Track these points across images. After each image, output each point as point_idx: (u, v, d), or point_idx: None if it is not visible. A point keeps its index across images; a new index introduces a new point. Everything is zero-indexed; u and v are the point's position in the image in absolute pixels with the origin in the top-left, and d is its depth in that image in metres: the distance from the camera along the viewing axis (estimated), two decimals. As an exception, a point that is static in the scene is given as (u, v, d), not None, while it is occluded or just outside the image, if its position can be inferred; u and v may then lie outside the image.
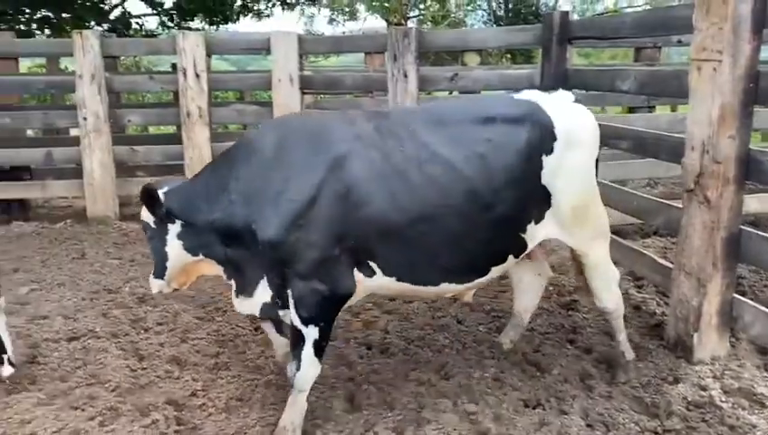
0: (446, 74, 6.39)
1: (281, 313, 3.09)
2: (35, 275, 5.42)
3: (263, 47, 6.96)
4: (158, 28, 15.66)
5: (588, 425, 3.14)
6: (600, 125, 3.34)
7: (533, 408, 3.30)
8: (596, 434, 3.08)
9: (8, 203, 7.33)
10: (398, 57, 6.25)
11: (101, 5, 14.52)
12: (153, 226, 3.18)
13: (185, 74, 6.78)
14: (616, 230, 5.46)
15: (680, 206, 3.85)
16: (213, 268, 3.23)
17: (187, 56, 6.73)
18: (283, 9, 16.19)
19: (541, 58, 5.72)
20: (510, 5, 27.35)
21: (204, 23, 15.71)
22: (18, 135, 8.20)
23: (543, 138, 3.07)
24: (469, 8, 30.35)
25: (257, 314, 3.16)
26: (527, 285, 3.86)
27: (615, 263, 3.57)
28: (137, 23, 15.18)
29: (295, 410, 3.02)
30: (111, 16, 14.70)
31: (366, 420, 3.18)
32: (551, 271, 4.02)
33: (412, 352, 3.93)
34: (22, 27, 13.26)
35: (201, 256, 3.17)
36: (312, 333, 2.89)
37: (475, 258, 3.07)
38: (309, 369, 2.94)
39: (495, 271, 3.18)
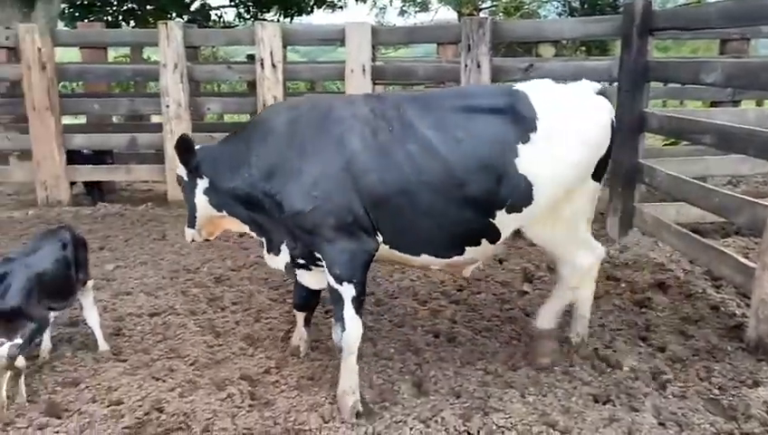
0: (520, 65, 6.32)
1: (297, 272, 3.51)
2: (120, 254, 5.73)
3: (337, 38, 7.06)
4: (234, 20, 16.09)
5: (660, 423, 3.07)
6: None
7: (603, 403, 3.26)
8: (668, 433, 3.01)
9: (92, 186, 7.75)
10: (472, 48, 6.22)
11: (182, -2, 15.04)
12: (186, 178, 3.52)
13: (262, 64, 6.96)
14: (694, 229, 5.30)
15: (767, 204, 3.70)
16: (238, 225, 3.58)
17: (264, 47, 6.91)
18: (357, 1, 16.28)
19: (620, 50, 5.57)
20: (587, -4, 26.68)
21: (279, 14, 16.01)
22: (104, 121, 8.65)
23: (521, 127, 3.10)
24: (543, -1, 29.82)
25: (283, 270, 3.52)
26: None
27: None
28: (215, 14, 15.67)
29: (351, 373, 3.21)
30: (192, 8, 15.18)
31: (433, 406, 3.22)
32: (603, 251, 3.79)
33: (479, 342, 3.94)
34: (109, 19, 13.89)
35: (225, 213, 3.51)
36: (348, 290, 3.14)
37: (449, 234, 3.22)
38: (353, 327, 3.16)
39: (472, 252, 3.32)
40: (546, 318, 3.65)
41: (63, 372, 3.58)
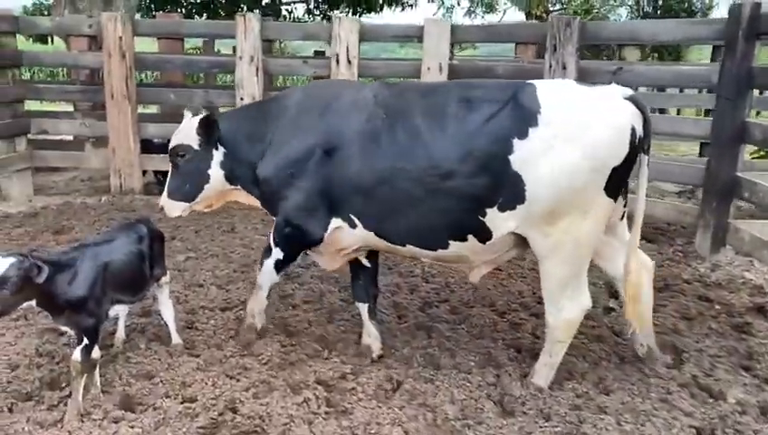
0: (608, 68, 6.01)
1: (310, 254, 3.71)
2: (190, 245, 5.71)
3: (414, 35, 6.90)
4: (304, 15, 16.16)
5: (776, 466, 2.78)
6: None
7: (709, 438, 2.98)
8: (786, 478, 2.72)
9: (163, 175, 7.81)
10: (558, 48, 5.95)
11: (254, -8, 15.17)
12: (197, 148, 3.57)
13: (337, 60, 6.86)
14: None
15: None
16: (248, 198, 3.74)
17: (341, 42, 6.80)
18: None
19: (723, 55, 5.21)
20: (660, 1, 25.78)
21: (348, 12, 15.98)
22: (177, 111, 8.73)
23: (518, 121, 2.87)
24: (614, 2, 28.95)
25: None
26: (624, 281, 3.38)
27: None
28: (286, 9, 15.75)
29: (255, 301, 3.79)
30: (263, 2, 15.30)
31: (520, 428, 3.01)
32: (651, 263, 3.54)
33: (566, 360, 3.67)
34: (182, 11, 14.13)
35: (239, 186, 3.68)
36: (276, 253, 3.57)
37: (432, 226, 3.14)
38: (267, 275, 3.65)
39: (458, 248, 3.18)
40: (541, 375, 3.32)
41: (138, 365, 3.51)
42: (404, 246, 3.28)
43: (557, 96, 2.93)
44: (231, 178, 3.64)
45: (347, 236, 3.39)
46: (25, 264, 2.77)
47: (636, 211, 3.10)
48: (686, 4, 25.96)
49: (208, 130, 3.52)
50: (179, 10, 13.74)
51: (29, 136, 7.53)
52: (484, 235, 3.07)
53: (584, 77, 6.06)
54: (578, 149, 2.81)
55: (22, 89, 7.27)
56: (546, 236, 2.97)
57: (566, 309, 3.11)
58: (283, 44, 15.99)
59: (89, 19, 7.35)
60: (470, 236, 3.09)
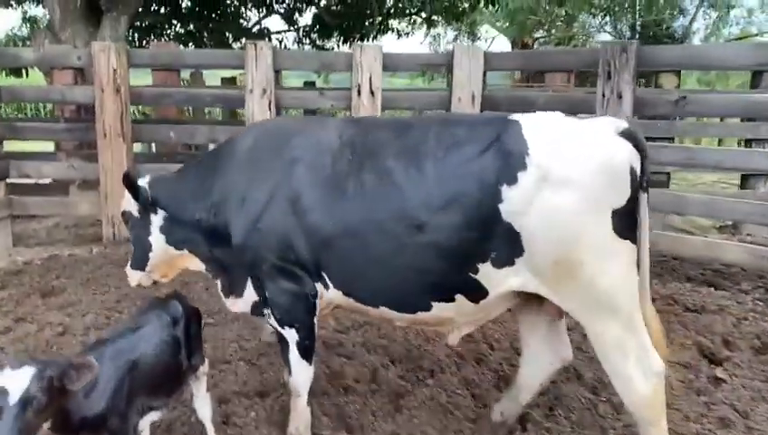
0: (669, 97, 5.43)
1: (265, 311, 3.04)
2: (205, 307, 4.86)
3: (442, 63, 6.31)
4: (294, 45, 15.53)
5: None
6: None
7: None
8: None
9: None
10: (613, 75, 5.36)
11: (241, 21, 14.51)
12: (136, 215, 3.22)
13: (359, 91, 6.20)
14: None
15: None
16: (196, 263, 3.27)
17: (363, 72, 6.14)
18: (428, 29, 15.63)
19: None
20: (638, 27, 25.84)
21: (339, 41, 15.42)
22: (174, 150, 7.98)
23: (505, 165, 2.53)
24: (593, 29, 29.01)
25: (249, 311, 3.16)
26: (533, 356, 3.13)
27: None
28: (277, 39, 15.13)
29: (298, 415, 3.09)
30: (253, 31, 14.64)
31: None
32: (570, 352, 3.12)
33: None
34: (167, 40, 13.40)
35: (185, 251, 3.22)
36: (291, 334, 2.96)
37: (408, 286, 2.73)
38: (299, 371, 3.01)
39: (442, 309, 2.77)
40: None
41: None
42: (377, 307, 2.86)
43: (545, 134, 2.56)
44: (175, 242, 3.21)
45: (323, 298, 2.95)
46: (48, 371, 2.03)
47: (640, 258, 2.67)
48: (669, 29, 26.09)
49: (131, 192, 3.11)
50: (165, 40, 13.00)
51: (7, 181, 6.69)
52: (477, 294, 2.68)
53: (641, 107, 5.50)
54: (571, 194, 2.48)
55: (0, 128, 6.46)
56: (572, 291, 2.59)
57: (638, 382, 2.58)
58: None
59: (77, 50, 6.59)
60: (459, 296, 2.71)
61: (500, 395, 3.49)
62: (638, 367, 2.56)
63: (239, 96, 6.42)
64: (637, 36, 24.81)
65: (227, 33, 13.28)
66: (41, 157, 7.15)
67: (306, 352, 2.98)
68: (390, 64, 6.28)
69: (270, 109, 6.28)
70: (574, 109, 5.96)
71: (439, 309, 2.76)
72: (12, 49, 7.24)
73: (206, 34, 13.63)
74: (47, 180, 8.04)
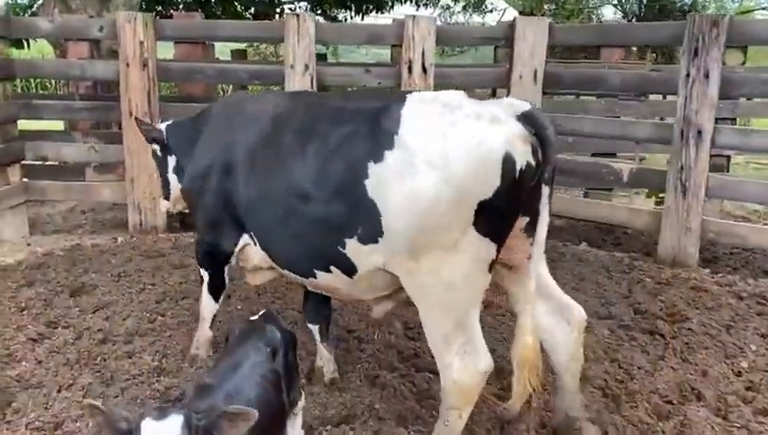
0: (762, 76, 4.94)
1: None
2: (252, 305, 4.45)
3: (502, 36, 5.78)
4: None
5: None
6: None
7: None
8: None
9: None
10: (701, 52, 4.87)
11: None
12: (159, 154, 3.79)
13: (410, 68, 5.67)
14: None
15: None
16: None
17: (415, 46, 5.61)
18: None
19: None
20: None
21: (350, 13, 14.71)
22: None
23: (375, 143, 2.53)
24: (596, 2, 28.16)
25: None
26: (549, 338, 2.89)
27: None
28: (289, 8, 14.40)
29: (200, 332, 3.72)
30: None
31: None
32: (578, 310, 2.88)
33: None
34: (177, 10, 12.69)
35: None
36: (205, 275, 3.56)
37: (297, 252, 2.94)
38: (206, 302, 3.62)
39: (326, 279, 2.89)
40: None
41: None
42: (283, 268, 3.13)
43: (422, 114, 2.51)
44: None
45: (254, 254, 3.27)
46: (197, 421, 1.74)
47: (532, 252, 2.68)
48: (677, 3, 25.33)
49: (143, 132, 3.80)
50: (174, 9, 12.27)
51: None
52: (347, 268, 2.75)
53: (729, 88, 5.01)
54: (433, 178, 2.39)
55: (15, 106, 5.87)
56: (411, 275, 2.57)
57: (455, 369, 2.58)
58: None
59: (98, 20, 5.99)
60: (333, 268, 2.80)
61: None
62: (460, 359, 2.56)
63: (278, 72, 5.87)
64: (643, 9, 24.05)
65: (237, 4, 12.52)
66: (51, 136, 6.56)
67: (213, 291, 3.58)
68: (444, 38, 5.77)
69: (312, 86, 5.75)
70: (649, 87, 5.50)
71: (322, 278, 2.88)
72: (25, 19, 6.59)
73: (213, 4, 12.88)
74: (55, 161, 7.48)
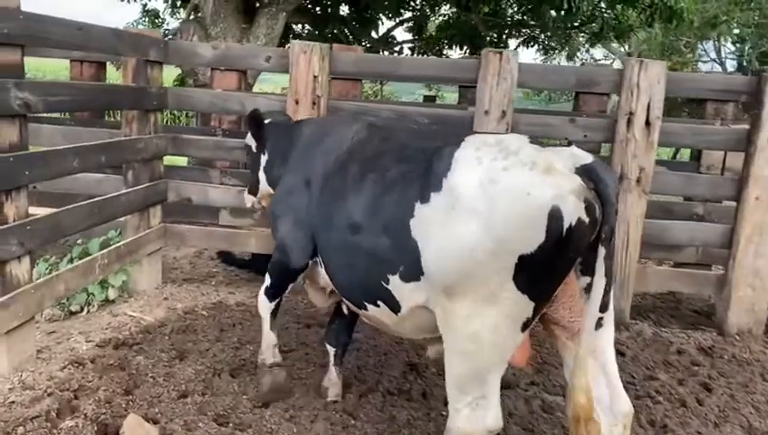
0: None
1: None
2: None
3: (746, 91, 4.78)
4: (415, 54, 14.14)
5: None
6: None
7: None
8: None
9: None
10: None
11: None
12: (254, 150, 3.91)
13: (629, 120, 4.72)
14: None
15: None
16: None
17: (640, 95, 4.67)
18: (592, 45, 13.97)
19: None
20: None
21: (463, 51, 13.94)
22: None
23: (425, 182, 2.52)
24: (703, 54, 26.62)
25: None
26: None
27: None
28: (408, 48, 13.77)
29: (263, 336, 3.69)
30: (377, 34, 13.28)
31: None
32: (627, 404, 2.50)
33: None
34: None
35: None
36: (267, 280, 3.58)
37: (351, 281, 2.98)
38: (262, 301, 3.63)
39: (375, 312, 2.90)
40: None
41: None
42: (340, 297, 3.28)
43: (476, 159, 2.40)
44: (271, 183, 3.78)
45: (320, 275, 3.34)
46: None
47: (584, 321, 2.41)
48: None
49: (251, 126, 3.81)
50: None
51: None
52: (392, 304, 2.75)
53: None
54: (474, 224, 2.30)
55: (164, 141, 5.19)
56: (444, 311, 2.50)
57: (463, 417, 2.49)
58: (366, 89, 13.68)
59: (266, 49, 5.30)
60: (380, 303, 2.80)
61: None
62: (471, 410, 2.49)
63: (464, 117, 5.01)
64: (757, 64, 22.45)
65: (361, 41, 11.86)
66: (189, 174, 5.87)
67: (269, 293, 3.57)
68: (673, 87, 4.78)
69: (507, 137, 4.86)
70: None
71: (372, 311, 2.90)
72: (185, 44, 5.94)
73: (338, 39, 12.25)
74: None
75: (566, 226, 2.21)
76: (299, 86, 4.93)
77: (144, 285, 5.21)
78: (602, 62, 24.35)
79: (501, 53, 4.76)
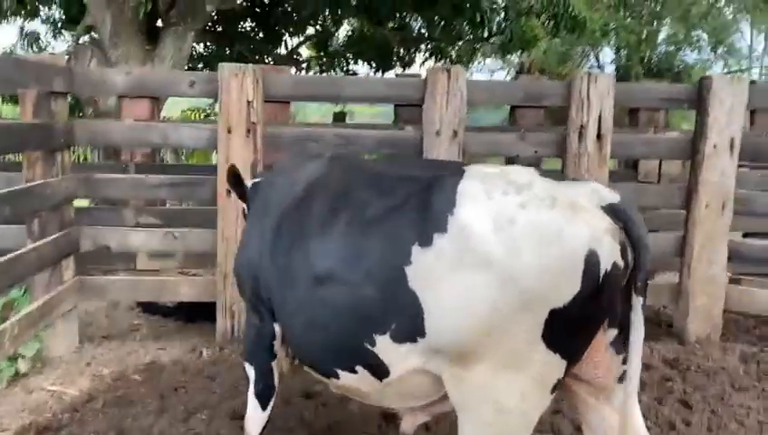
0: None
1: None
2: None
3: (688, 98, 4.79)
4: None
5: None
6: None
7: None
8: None
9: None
10: None
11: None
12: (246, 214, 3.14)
13: (580, 133, 4.60)
14: None
15: None
16: None
17: (591, 108, 4.56)
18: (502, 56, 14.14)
19: None
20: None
21: (371, 67, 13.76)
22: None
23: (422, 220, 2.07)
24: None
25: None
26: None
27: None
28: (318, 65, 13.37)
29: None
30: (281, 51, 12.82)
31: None
32: None
33: None
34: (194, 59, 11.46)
35: None
36: (250, 372, 2.81)
37: (318, 345, 2.38)
38: (251, 411, 2.82)
39: (349, 379, 2.35)
40: None
41: None
42: (303, 363, 2.62)
43: (484, 193, 2.02)
44: None
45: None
46: None
47: (629, 376, 2.15)
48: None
49: (234, 186, 2.95)
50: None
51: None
52: (376, 370, 2.22)
53: None
54: (493, 274, 1.92)
55: (73, 182, 4.51)
56: (457, 380, 2.10)
57: None
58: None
59: (190, 73, 4.75)
60: (360, 369, 2.27)
61: None
62: None
63: (414, 139, 4.70)
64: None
65: (266, 58, 11.34)
66: (101, 216, 5.18)
67: (260, 397, 2.79)
68: (624, 97, 4.73)
69: (459, 156, 4.60)
70: None
71: (346, 379, 2.39)
72: (95, 71, 5.24)
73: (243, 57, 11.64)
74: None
75: (602, 271, 1.94)
76: (231, 113, 4.43)
77: (60, 350, 4.50)
78: (497, 73, 25.03)
79: (449, 69, 4.51)
